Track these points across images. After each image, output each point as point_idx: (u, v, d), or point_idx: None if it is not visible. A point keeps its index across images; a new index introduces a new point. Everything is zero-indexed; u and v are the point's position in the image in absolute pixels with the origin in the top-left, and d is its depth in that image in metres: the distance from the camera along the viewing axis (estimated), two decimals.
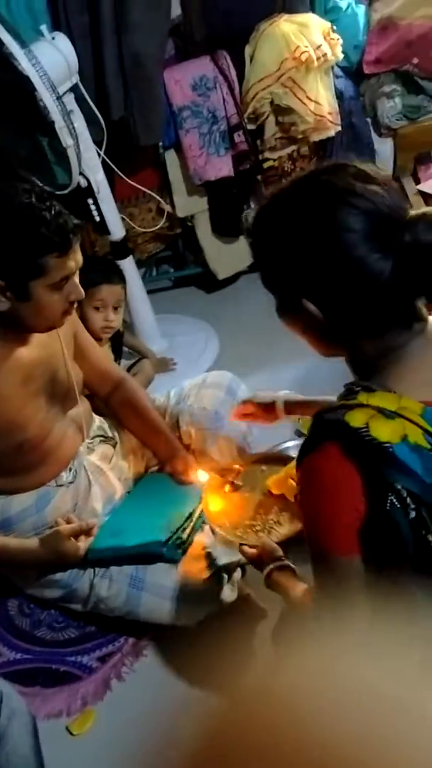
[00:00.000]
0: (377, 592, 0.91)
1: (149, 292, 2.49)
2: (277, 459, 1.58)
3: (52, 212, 1.29)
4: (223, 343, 2.51)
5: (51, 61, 1.72)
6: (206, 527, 1.53)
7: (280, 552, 1.23)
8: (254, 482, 1.51)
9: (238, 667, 1.47)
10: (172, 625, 1.48)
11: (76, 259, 1.35)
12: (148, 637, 1.57)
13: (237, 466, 1.56)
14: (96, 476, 1.67)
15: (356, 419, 0.87)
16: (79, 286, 1.40)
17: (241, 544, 1.31)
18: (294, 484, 1.39)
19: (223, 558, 1.49)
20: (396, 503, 0.85)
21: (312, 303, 0.92)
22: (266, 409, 1.52)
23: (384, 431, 0.86)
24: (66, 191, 1.98)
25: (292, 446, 1.84)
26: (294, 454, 1.04)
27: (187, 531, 1.51)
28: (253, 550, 1.27)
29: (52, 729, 1.43)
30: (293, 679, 0.39)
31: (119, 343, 2.22)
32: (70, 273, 1.35)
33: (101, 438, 1.75)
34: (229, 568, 1.49)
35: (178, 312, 2.67)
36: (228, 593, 1.49)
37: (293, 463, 1.43)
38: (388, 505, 0.86)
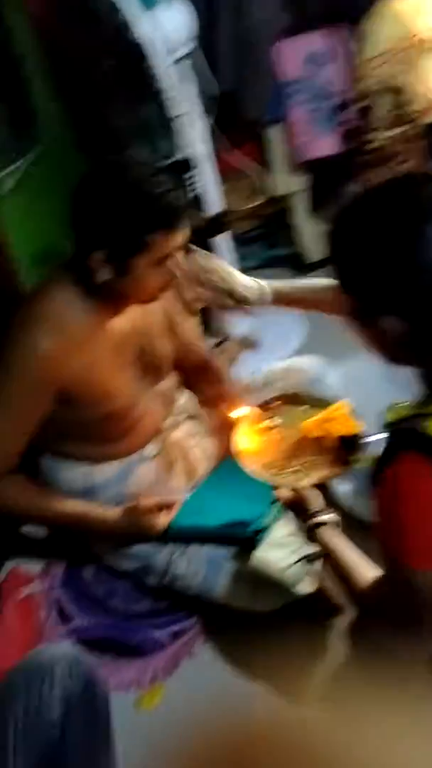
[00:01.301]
0: None
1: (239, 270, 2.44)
2: (318, 401, 1.47)
3: (166, 188, 1.26)
4: (311, 327, 2.45)
5: (168, 27, 1.68)
6: (289, 514, 1.50)
7: (321, 500, 1.18)
8: (292, 422, 1.44)
9: (308, 662, 1.45)
10: (247, 610, 1.46)
11: (182, 236, 1.32)
12: (222, 618, 1.56)
13: (275, 404, 1.48)
14: (180, 452, 1.66)
15: None
16: (182, 263, 1.38)
17: (274, 486, 1.26)
18: (333, 427, 1.33)
19: (305, 548, 1.45)
20: None
21: (394, 317, 0.86)
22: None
23: None
24: (167, 163, 1.95)
25: (376, 440, 1.77)
26: (377, 448, 0.99)
27: (270, 517, 1.48)
28: (288, 494, 1.22)
29: (120, 701, 1.44)
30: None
31: (206, 320, 2.20)
32: (174, 250, 1.33)
33: (187, 414, 1.74)
34: (310, 559, 1.46)
35: None
36: (306, 584, 1.45)
37: (335, 406, 1.38)
38: None
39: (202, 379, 1.76)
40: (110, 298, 1.39)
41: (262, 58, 2.15)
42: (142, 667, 1.52)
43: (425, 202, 0.83)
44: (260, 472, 1.33)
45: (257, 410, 1.46)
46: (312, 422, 1.38)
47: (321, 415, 1.38)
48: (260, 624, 1.46)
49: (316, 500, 1.20)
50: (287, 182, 2.51)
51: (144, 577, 1.59)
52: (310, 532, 1.16)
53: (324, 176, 2.48)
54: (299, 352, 2.23)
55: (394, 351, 0.92)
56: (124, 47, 1.66)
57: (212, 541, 1.47)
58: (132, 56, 1.67)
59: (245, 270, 2.67)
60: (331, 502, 1.67)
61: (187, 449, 1.67)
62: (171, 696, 1.46)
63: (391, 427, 0.91)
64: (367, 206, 0.89)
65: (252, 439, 1.41)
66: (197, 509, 1.51)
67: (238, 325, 2.44)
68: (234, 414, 1.51)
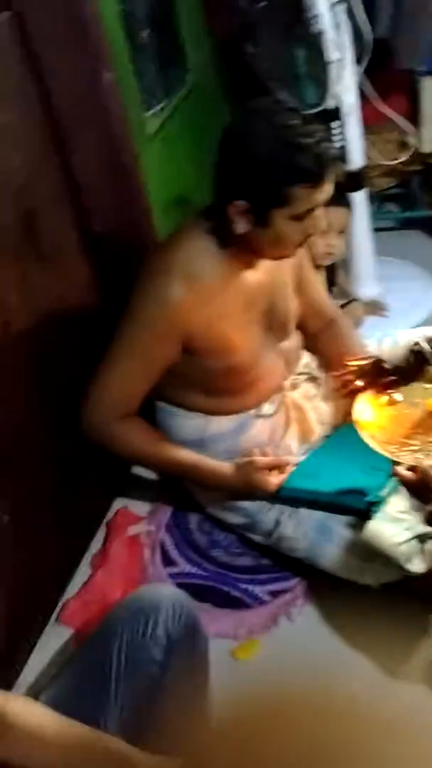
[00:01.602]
0: None
1: (374, 230, 2.33)
2: None
3: (314, 138, 1.20)
4: None
5: None
6: (404, 490, 1.44)
7: None
8: (416, 399, 1.36)
9: (409, 643, 1.41)
10: (353, 582, 1.44)
11: (326, 191, 1.26)
12: (324, 584, 1.54)
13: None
14: (296, 413, 1.63)
15: None
16: (322, 219, 1.32)
17: (394, 463, 1.20)
18: None
19: (420, 526, 1.39)
20: None
21: None
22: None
23: None
24: (315, 111, 1.87)
25: None
26: None
27: (386, 490, 1.43)
28: (410, 474, 1.16)
29: (216, 648, 1.47)
30: None
31: (332, 278, 2.12)
32: (317, 206, 1.27)
33: (307, 376, 1.70)
34: (424, 538, 1.40)
35: (399, 256, 2.49)
36: (417, 564, 1.40)
37: None
38: None
39: (325, 340, 1.71)
40: (245, 250, 1.36)
41: (422, 5, 1.99)
42: (239, 619, 1.54)
43: None
44: (380, 446, 1.27)
45: (380, 382, 1.39)
46: None
47: None
48: (363, 596, 1.44)
49: None
50: None
51: (249, 532, 1.60)
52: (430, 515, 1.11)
53: None
54: (428, 322, 2.12)
55: None
56: None
57: (324, 507, 1.44)
58: None
59: (378, 230, 2.58)
60: None
61: (304, 411, 1.63)
62: (266, 652, 1.47)
63: None
64: None
65: (373, 411, 1.36)
66: (312, 473, 1.48)
67: (365, 287, 2.35)
68: (356, 382, 1.45)
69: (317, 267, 1.85)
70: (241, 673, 1.43)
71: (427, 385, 1.39)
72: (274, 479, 1.45)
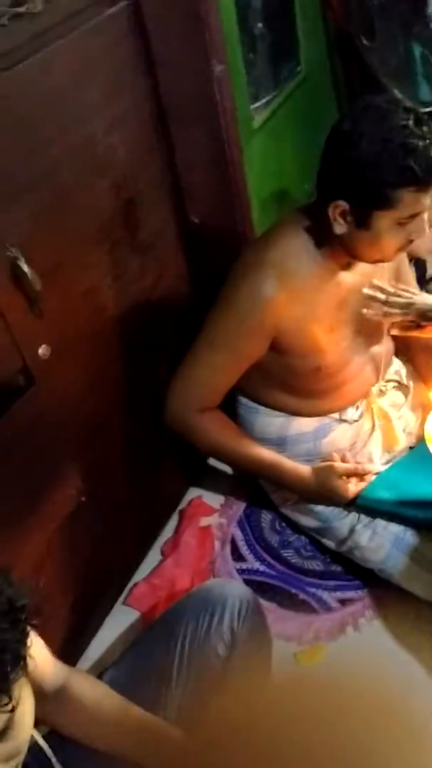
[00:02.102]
0: None
1: None
2: None
3: (427, 141, 1.15)
4: None
5: None
6: None
7: None
8: None
9: None
10: (423, 599, 1.39)
11: None
12: (394, 598, 1.50)
13: None
14: (381, 421, 1.59)
15: None
16: (426, 224, 1.27)
17: None
18: None
19: None
20: None
21: None
22: None
23: None
24: (427, 110, 1.80)
25: None
26: None
27: None
28: None
29: (279, 650, 1.46)
30: None
31: (422, 273, 2.04)
32: (422, 211, 1.22)
33: (396, 383, 1.65)
34: None
35: None
36: None
37: None
38: None
39: (418, 349, 1.66)
40: (343, 251, 1.33)
41: None
42: (306, 623, 1.52)
43: None
44: None
45: None
46: None
47: None
48: None
49: None
50: None
51: (322, 537, 1.58)
52: None
53: None
54: None
55: None
56: None
57: (403, 520, 1.40)
58: None
59: None
60: None
61: (389, 419, 1.59)
62: (330, 659, 1.44)
63: None
64: None
65: None
66: (393, 485, 1.44)
67: None
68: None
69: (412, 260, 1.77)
70: (303, 678, 1.42)
71: None
72: (352, 487, 1.42)
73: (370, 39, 1.75)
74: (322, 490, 1.44)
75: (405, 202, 1.19)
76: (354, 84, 2.02)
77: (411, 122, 1.15)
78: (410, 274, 1.60)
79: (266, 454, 1.50)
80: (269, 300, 1.32)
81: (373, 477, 1.45)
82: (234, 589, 1.25)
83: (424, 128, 1.16)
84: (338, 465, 1.42)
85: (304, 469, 1.47)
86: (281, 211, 1.68)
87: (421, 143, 1.14)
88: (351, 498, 1.42)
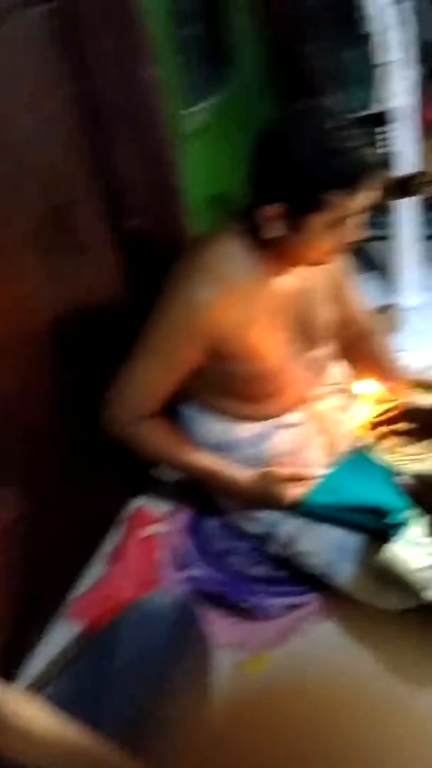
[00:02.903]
0: None
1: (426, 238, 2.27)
2: None
3: (354, 144, 1.15)
4: None
5: None
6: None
7: None
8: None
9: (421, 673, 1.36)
10: (368, 604, 1.39)
11: (366, 198, 1.21)
12: (339, 603, 1.50)
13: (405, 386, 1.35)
14: (323, 425, 1.59)
15: None
16: (361, 226, 1.27)
17: (398, 472, 1.15)
18: None
19: None
20: None
21: None
22: None
23: None
24: (361, 114, 1.82)
25: None
26: None
27: (410, 512, 1.37)
28: (413, 482, 1.12)
29: (223, 659, 1.44)
30: None
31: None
32: (353, 213, 1.22)
33: (337, 387, 1.65)
34: None
35: None
36: None
37: None
38: None
39: (359, 351, 1.67)
40: (278, 255, 1.33)
41: None
42: (250, 631, 1.50)
43: None
44: (383, 455, 1.22)
45: (385, 390, 1.34)
46: None
47: None
48: (380, 620, 1.39)
49: None
50: None
51: (266, 543, 1.56)
52: None
53: None
54: None
55: None
56: None
57: (344, 524, 1.40)
58: None
59: (427, 239, 2.50)
60: None
61: (331, 423, 1.59)
62: (274, 667, 1.43)
63: None
64: None
65: (377, 419, 1.31)
66: (334, 488, 1.44)
67: (408, 295, 2.28)
68: (361, 390, 1.41)
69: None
70: (245, 686, 1.40)
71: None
72: (294, 492, 1.42)
73: (304, 45, 1.75)
74: (262, 495, 1.43)
75: (336, 204, 1.19)
76: (290, 89, 2.02)
77: (338, 124, 1.16)
78: (356, 292, 1.61)
79: (208, 461, 1.49)
80: (205, 306, 1.31)
81: (316, 481, 1.44)
82: (171, 600, 1.23)
83: (353, 131, 1.16)
84: (277, 470, 1.41)
85: (245, 475, 1.46)
86: (218, 215, 1.67)
87: (349, 146, 1.15)
88: (292, 503, 1.41)
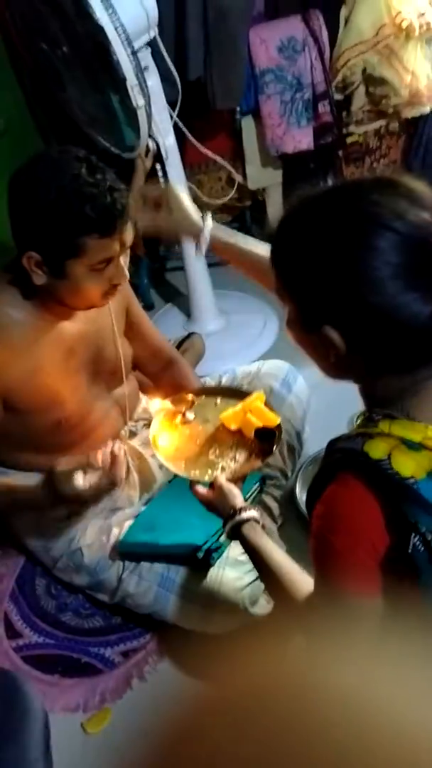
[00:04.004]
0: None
1: (210, 265, 2.35)
2: (234, 393, 1.39)
3: (101, 188, 1.15)
4: (283, 328, 2.36)
5: (129, 12, 1.57)
6: None
7: (240, 498, 1.13)
8: (207, 416, 1.35)
9: (266, 684, 1.39)
10: (200, 632, 1.40)
11: (122, 241, 1.22)
12: (175, 637, 1.49)
13: (190, 397, 1.38)
14: (135, 462, 1.58)
15: (377, 450, 0.78)
16: (123, 268, 1.28)
17: (192, 482, 1.18)
18: (250, 419, 1.27)
19: None
20: (419, 546, 0.76)
21: (335, 331, 0.79)
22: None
23: (408, 465, 0.76)
24: (134, 154, 1.86)
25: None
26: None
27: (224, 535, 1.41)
28: (206, 491, 1.16)
29: (66, 724, 1.37)
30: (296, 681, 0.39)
31: None
32: (113, 255, 1.23)
33: (146, 421, 1.66)
34: None
35: (240, 289, 2.52)
36: (263, 605, 1.39)
37: (251, 398, 1.31)
38: (410, 548, 0.76)
39: (164, 382, 1.68)
40: (52, 300, 1.30)
41: (234, 43, 2.05)
42: (90, 688, 1.45)
43: (370, 210, 0.76)
44: (175, 466, 1.25)
45: (171, 403, 1.36)
46: (229, 414, 1.31)
47: (239, 406, 1.30)
48: (217, 644, 1.40)
49: (235, 497, 1.13)
50: (262, 175, 2.42)
51: (95, 592, 1.53)
52: (232, 531, 1.10)
53: (300, 169, 2.39)
54: (268, 354, 2.16)
55: (333, 364, 0.85)
56: (81, 33, 1.56)
57: (164, 559, 1.40)
58: (89, 42, 1.57)
59: (217, 265, 2.61)
60: (296, 512, 1.64)
61: (143, 458, 1.59)
62: (117, 721, 1.39)
63: (334, 444, 0.85)
64: (310, 214, 0.82)
65: (168, 432, 1.33)
66: (149, 525, 1.44)
67: (206, 322, 2.36)
68: (151, 408, 1.41)
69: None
70: (92, 746, 1.35)
71: (218, 401, 1.37)
72: (80, 482, 1.26)
73: (62, 90, 1.76)
74: (54, 495, 1.29)
75: (92, 248, 1.18)
76: (62, 133, 2.03)
77: (84, 170, 1.15)
78: (139, 307, 1.61)
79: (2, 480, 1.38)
80: None
81: (131, 521, 1.43)
82: None
83: (98, 176, 1.16)
84: (59, 467, 1.28)
85: (36, 485, 1.33)
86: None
87: (95, 190, 1.14)
88: (81, 494, 1.27)
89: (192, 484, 1.18)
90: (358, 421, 1.71)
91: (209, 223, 1.30)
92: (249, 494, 1.51)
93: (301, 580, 0.98)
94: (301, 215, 0.83)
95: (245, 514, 1.10)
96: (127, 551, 1.41)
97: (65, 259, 1.19)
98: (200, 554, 1.35)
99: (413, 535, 0.76)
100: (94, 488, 1.27)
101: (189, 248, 2.21)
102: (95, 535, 1.49)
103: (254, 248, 1.29)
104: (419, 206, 0.75)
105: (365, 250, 0.74)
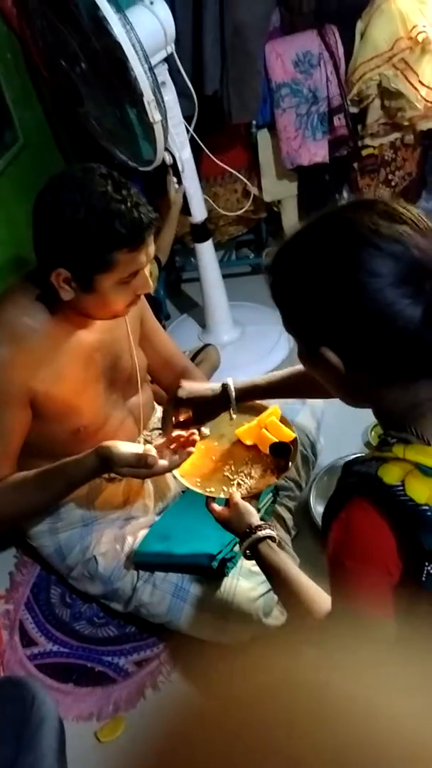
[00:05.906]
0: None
1: (225, 276, 2.37)
2: (248, 408, 1.36)
3: (128, 204, 1.18)
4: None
5: (146, 28, 1.60)
6: None
7: (256, 516, 1.13)
8: (223, 431, 1.35)
9: (280, 696, 1.39)
10: (213, 642, 1.40)
11: (147, 252, 1.25)
12: (189, 647, 1.49)
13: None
14: None
15: (391, 475, 0.78)
16: (148, 278, 1.31)
17: (208, 499, 1.18)
18: (266, 434, 1.26)
19: None
20: None
21: (332, 351, 0.80)
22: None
23: (422, 491, 0.76)
24: (150, 167, 1.89)
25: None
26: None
27: (237, 545, 1.41)
28: (222, 509, 1.16)
29: (79, 732, 1.38)
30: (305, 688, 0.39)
31: None
32: (140, 267, 1.26)
33: (160, 431, 1.67)
34: None
35: (255, 300, 2.54)
36: (276, 616, 1.39)
37: (266, 413, 1.31)
38: (424, 576, 0.76)
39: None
40: (76, 312, 1.32)
41: (250, 58, 2.07)
42: (104, 696, 1.46)
43: (348, 230, 0.77)
44: (191, 482, 1.25)
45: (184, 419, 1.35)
46: (245, 430, 1.31)
47: (254, 422, 1.30)
48: (231, 655, 1.40)
49: (251, 515, 1.13)
50: (277, 187, 2.44)
51: (109, 601, 1.53)
52: (248, 549, 1.10)
53: (315, 182, 2.40)
54: (283, 365, 2.16)
55: (347, 388, 0.85)
56: (99, 50, 1.59)
57: (177, 569, 1.41)
58: (107, 59, 1.60)
59: (233, 276, 2.62)
60: (310, 523, 1.64)
61: None
62: (131, 730, 1.39)
63: (351, 466, 0.85)
64: (295, 244, 0.83)
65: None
66: (164, 535, 1.44)
67: (222, 332, 2.38)
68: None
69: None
70: (105, 755, 1.35)
71: (233, 416, 1.35)
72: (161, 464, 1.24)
73: (80, 105, 1.79)
74: (110, 465, 1.27)
75: (122, 263, 1.21)
76: (81, 148, 2.06)
77: (110, 187, 1.18)
78: (153, 317, 1.63)
79: (50, 468, 1.36)
80: (5, 364, 1.27)
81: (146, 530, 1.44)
82: (13, 685, 1.16)
83: (124, 192, 1.19)
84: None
85: (87, 457, 1.31)
86: (15, 277, 1.64)
87: (123, 207, 1.17)
88: (142, 455, 1.24)
89: (208, 501, 1.19)
90: (372, 433, 1.71)
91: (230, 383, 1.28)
92: (263, 505, 1.52)
93: (319, 599, 0.98)
94: (288, 247, 0.84)
95: (261, 533, 1.09)
96: (142, 561, 1.42)
97: (94, 274, 1.21)
98: (214, 564, 1.35)
99: (426, 563, 0.76)
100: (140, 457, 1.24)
101: (204, 259, 2.23)
102: (110, 543, 1.50)
103: (275, 377, 1.28)
104: (395, 221, 0.76)
105: (352, 268, 0.75)
